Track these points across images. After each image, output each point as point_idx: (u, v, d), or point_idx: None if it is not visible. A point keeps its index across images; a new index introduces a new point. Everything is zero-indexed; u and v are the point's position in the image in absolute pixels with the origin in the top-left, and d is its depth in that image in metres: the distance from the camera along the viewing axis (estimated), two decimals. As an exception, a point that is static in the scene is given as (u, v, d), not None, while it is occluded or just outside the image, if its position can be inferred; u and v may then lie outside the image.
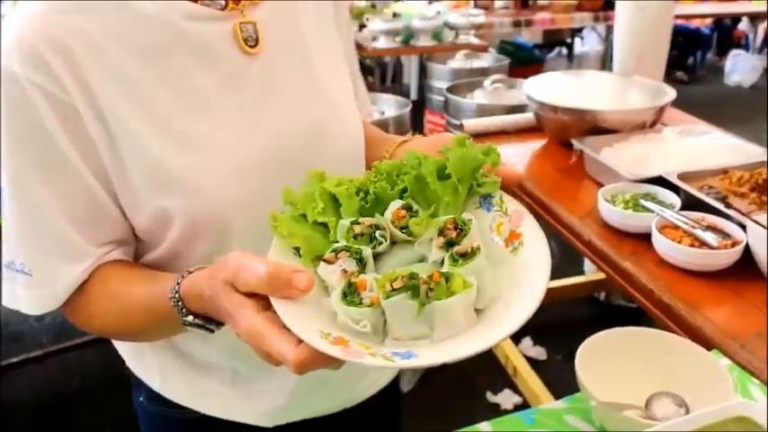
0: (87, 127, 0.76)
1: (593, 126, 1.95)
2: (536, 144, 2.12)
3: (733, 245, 1.36)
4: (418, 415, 2.31)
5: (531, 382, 2.20)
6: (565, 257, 3.22)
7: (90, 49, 0.75)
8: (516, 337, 2.65)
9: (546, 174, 1.91)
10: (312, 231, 0.72)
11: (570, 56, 7.18)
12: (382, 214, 0.73)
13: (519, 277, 0.67)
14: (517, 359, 2.30)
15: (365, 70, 4.67)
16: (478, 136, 2.17)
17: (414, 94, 5.63)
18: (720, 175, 1.68)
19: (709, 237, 1.37)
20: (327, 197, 0.74)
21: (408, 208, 0.73)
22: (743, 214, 1.40)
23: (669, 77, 7.28)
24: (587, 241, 1.55)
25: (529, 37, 6.80)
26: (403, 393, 2.48)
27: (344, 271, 0.68)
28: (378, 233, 0.72)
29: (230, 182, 0.82)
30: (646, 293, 1.36)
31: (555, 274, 2.98)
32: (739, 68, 7.20)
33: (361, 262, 0.69)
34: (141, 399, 1.05)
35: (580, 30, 6.93)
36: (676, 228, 1.43)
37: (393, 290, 0.64)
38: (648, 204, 1.50)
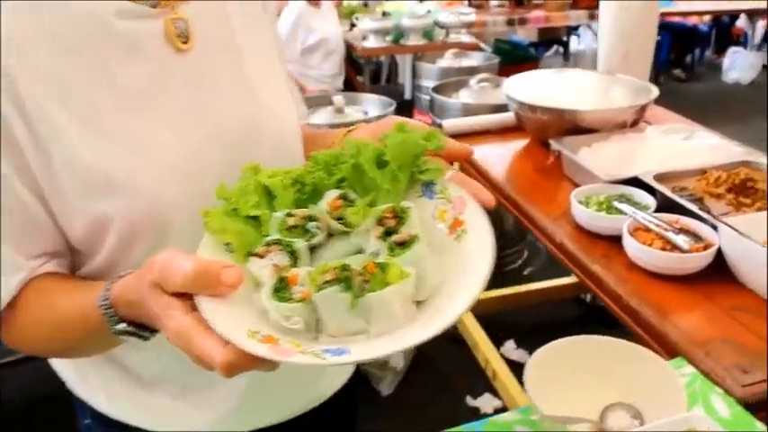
0: (14, 131, 0.73)
1: (573, 126, 1.91)
2: (518, 144, 2.09)
3: (705, 248, 1.32)
4: (397, 418, 2.28)
5: (511, 386, 2.17)
6: (550, 258, 3.19)
7: (17, 52, 0.72)
8: (499, 340, 2.62)
9: (524, 174, 1.88)
10: (245, 226, 0.70)
11: (566, 54, 7.14)
12: None
13: (464, 265, 0.65)
14: (497, 363, 2.26)
15: (355, 69, 4.65)
16: (460, 136, 2.15)
17: (408, 94, 5.61)
18: (698, 176, 1.65)
19: (681, 239, 1.34)
20: (262, 190, 0.71)
21: (345, 197, 0.70)
22: (714, 217, 1.37)
23: (667, 75, 7.29)
24: (559, 243, 1.52)
25: (525, 35, 6.77)
26: (382, 396, 2.48)
27: (276, 265, 0.65)
28: (312, 225, 0.69)
29: (170, 181, 0.80)
30: (614, 298, 1.32)
31: (540, 276, 2.97)
32: (737, 66, 7.16)
33: (294, 255, 0.66)
34: (87, 421, 1.02)
35: (576, 28, 6.89)
36: (649, 230, 1.40)
37: (325, 283, 0.61)
38: (621, 206, 1.47)
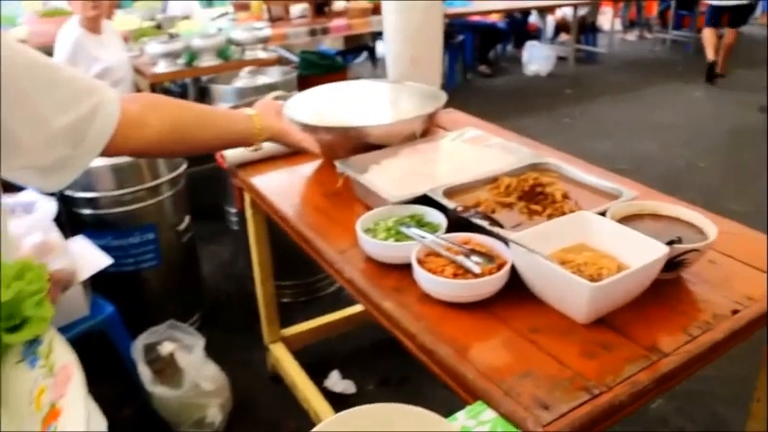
0: None
1: (361, 143, 1.78)
2: (308, 168, 1.93)
3: (499, 268, 1.22)
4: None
5: (334, 427, 2.01)
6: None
7: None
8: (321, 374, 2.45)
9: (313, 202, 1.72)
10: None
11: (373, 59, 7.16)
12: None
13: None
14: (317, 402, 2.09)
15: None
16: (245, 166, 1.95)
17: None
18: (491, 185, 1.57)
19: (471, 263, 1.23)
20: None
21: None
22: (495, 235, 1.27)
23: (473, 71, 7.50)
24: (348, 279, 1.37)
25: (331, 44, 6.69)
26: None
27: None
28: None
29: None
30: (409, 336, 1.19)
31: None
32: (535, 59, 7.50)
33: None
34: None
35: (381, 33, 6.91)
36: (440, 255, 1.28)
37: None
38: (407, 231, 1.35)
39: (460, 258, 1.24)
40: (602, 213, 1.32)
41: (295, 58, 5.12)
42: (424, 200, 1.48)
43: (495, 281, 1.20)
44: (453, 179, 1.56)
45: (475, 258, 1.24)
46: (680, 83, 7.06)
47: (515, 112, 5.94)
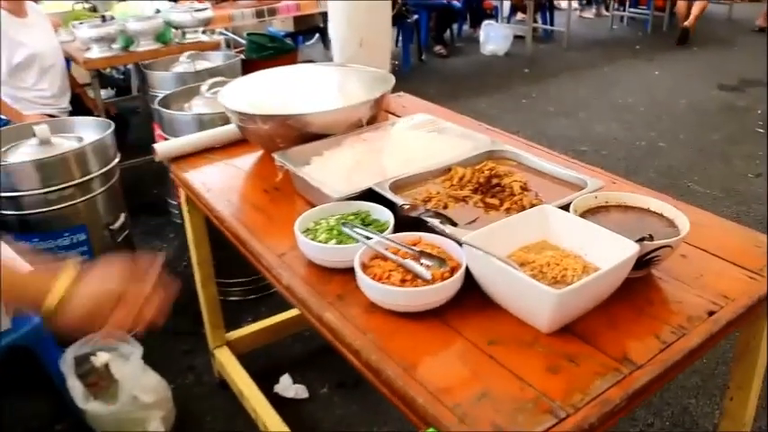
0: None
1: (303, 133, 1.63)
2: (248, 160, 1.78)
3: (452, 272, 1.09)
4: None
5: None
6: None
7: None
8: (272, 378, 2.30)
9: (251, 198, 1.57)
10: None
11: (325, 41, 6.95)
12: None
13: None
14: (265, 411, 1.94)
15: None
16: (178, 159, 1.79)
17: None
18: (443, 176, 1.44)
19: (421, 267, 1.09)
20: None
21: None
22: (447, 234, 1.14)
23: (429, 52, 7.35)
24: (287, 286, 1.23)
25: (281, 26, 6.48)
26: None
27: None
28: None
29: None
30: (354, 353, 1.06)
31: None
32: (492, 38, 7.37)
33: None
34: None
35: (333, 14, 6.71)
36: (387, 258, 1.15)
37: None
38: (350, 231, 1.20)
39: (409, 262, 1.11)
40: (566, 206, 1.19)
41: (242, 41, 4.92)
42: (370, 195, 1.34)
43: (447, 287, 1.07)
44: (402, 171, 1.42)
45: (425, 261, 1.11)
46: (638, 61, 7.01)
47: (472, 93, 5.82)
